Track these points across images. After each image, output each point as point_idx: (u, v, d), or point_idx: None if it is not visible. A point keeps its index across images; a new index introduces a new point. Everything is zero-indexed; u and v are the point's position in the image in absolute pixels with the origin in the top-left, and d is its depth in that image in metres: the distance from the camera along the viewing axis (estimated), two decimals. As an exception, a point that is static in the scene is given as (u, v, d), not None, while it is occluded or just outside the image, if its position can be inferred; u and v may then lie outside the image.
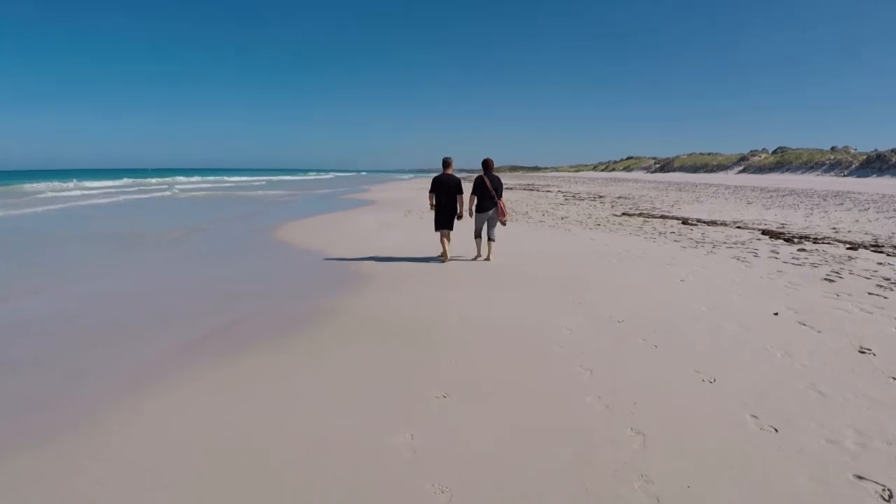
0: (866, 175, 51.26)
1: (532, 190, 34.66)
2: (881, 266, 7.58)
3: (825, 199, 21.70)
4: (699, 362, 4.03)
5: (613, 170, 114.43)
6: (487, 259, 8.32)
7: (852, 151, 63.78)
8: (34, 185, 36.87)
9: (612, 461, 2.73)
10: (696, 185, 39.59)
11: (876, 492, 2.47)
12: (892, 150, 53.53)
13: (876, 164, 52.85)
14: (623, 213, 16.61)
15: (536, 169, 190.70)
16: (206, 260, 9.19)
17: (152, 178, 57.15)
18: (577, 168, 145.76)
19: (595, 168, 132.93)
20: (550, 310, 5.53)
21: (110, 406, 3.43)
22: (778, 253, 8.79)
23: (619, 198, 25.24)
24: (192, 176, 63.73)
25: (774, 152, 75.57)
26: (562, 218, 15.42)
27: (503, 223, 8.44)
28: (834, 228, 12.23)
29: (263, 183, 53.53)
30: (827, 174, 56.67)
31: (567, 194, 28.66)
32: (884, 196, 23.36)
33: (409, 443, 2.94)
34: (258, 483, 2.60)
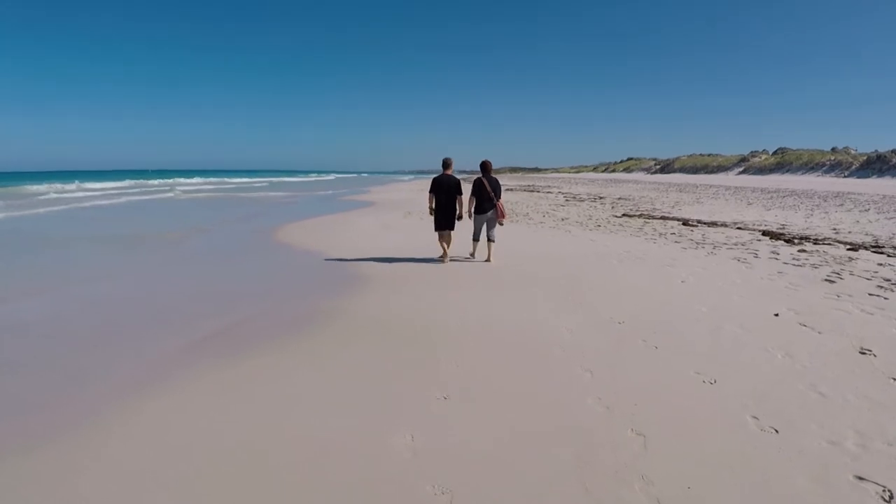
0: (866, 176, 51.29)
1: (532, 191, 34.67)
2: (881, 267, 7.58)
3: (825, 200, 21.69)
4: (700, 363, 4.03)
5: (614, 171, 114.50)
6: (488, 260, 8.33)
7: (853, 152, 63.80)
8: (37, 186, 36.89)
9: (612, 462, 2.73)
10: (697, 187, 39.58)
11: (876, 493, 2.47)
12: (892, 151, 53.53)
13: (876, 165, 52.86)
14: (623, 215, 16.61)
15: (537, 170, 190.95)
16: (208, 261, 9.19)
17: (154, 179, 57.18)
18: (578, 169, 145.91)
19: (595, 169, 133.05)
20: (551, 311, 5.53)
21: (111, 407, 3.43)
22: (778, 254, 8.79)
23: (620, 199, 25.24)
24: (192, 177, 63.76)
25: (775, 153, 75.61)
26: (562, 219, 15.42)
27: (500, 223, 8.48)
28: (834, 229, 12.23)
29: (265, 184, 53.72)
30: (827, 175, 56.67)
31: (567, 195, 28.67)
32: (884, 197, 23.35)
33: (410, 444, 2.94)
34: (258, 484, 2.60)
